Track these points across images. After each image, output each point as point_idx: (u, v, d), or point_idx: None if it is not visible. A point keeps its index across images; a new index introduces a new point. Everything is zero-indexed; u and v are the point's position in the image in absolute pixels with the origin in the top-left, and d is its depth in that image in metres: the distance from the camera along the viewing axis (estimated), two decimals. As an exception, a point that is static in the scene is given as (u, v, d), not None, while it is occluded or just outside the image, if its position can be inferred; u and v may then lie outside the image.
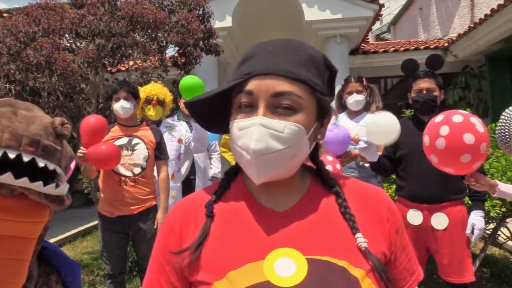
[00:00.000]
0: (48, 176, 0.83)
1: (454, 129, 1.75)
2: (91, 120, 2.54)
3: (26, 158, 0.77)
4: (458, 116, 1.79)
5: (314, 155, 0.85)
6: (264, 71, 0.71)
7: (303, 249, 0.72)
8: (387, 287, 0.73)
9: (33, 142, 0.78)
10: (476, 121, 1.77)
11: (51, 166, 0.82)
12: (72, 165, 0.99)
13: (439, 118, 1.86)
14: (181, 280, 0.77)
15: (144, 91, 3.44)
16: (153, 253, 0.82)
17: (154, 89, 3.51)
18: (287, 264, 0.70)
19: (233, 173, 0.85)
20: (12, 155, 0.76)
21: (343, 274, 0.69)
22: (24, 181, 0.75)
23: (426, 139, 1.89)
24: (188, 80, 3.23)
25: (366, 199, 0.81)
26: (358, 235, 0.74)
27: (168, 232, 0.80)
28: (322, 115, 0.78)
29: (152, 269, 0.81)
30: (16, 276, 0.80)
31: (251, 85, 0.71)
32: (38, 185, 0.77)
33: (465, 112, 1.84)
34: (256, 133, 0.69)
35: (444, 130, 1.78)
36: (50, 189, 0.80)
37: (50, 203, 0.82)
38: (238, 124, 0.72)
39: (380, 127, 2.32)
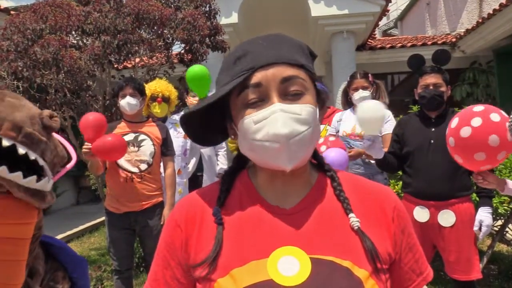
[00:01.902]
0: (31, 170, 0.79)
1: (487, 125, 1.69)
2: (90, 117, 2.57)
3: (6, 143, 0.74)
4: (496, 115, 1.72)
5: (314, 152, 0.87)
6: (267, 62, 0.72)
7: (307, 248, 0.71)
8: (378, 272, 0.72)
9: (15, 127, 0.76)
10: (511, 128, 1.69)
11: (32, 156, 0.78)
12: (69, 165, 0.97)
13: (479, 108, 1.79)
14: (186, 275, 0.77)
15: (149, 88, 3.44)
16: (158, 248, 0.82)
17: (159, 86, 3.52)
18: (290, 263, 0.69)
19: (231, 174, 0.84)
20: None
21: (346, 274, 0.68)
22: (2, 170, 0.72)
23: (455, 120, 1.83)
24: (194, 70, 3.24)
25: (371, 198, 0.80)
26: (351, 215, 0.74)
27: (174, 228, 0.80)
28: (319, 96, 0.81)
29: (157, 264, 0.81)
30: (13, 276, 0.80)
31: (257, 78, 0.72)
32: (16, 176, 0.74)
33: (505, 115, 1.76)
34: (280, 119, 0.69)
35: (477, 121, 1.72)
36: (30, 181, 0.76)
37: (30, 198, 0.79)
38: (253, 117, 0.72)
39: (365, 115, 2.26)
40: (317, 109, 0.77)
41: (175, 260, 0.78)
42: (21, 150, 0.76)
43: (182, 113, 3.99)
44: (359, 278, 0.68)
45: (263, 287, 0.67)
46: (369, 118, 2.22)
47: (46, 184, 0.81)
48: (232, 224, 0.76)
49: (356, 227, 0.73)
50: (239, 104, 0.74)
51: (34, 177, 0.77)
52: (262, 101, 0.72)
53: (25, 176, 0.76)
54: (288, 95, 0.72)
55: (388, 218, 0.78)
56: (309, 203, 0.77)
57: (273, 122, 0.69)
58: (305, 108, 0.72)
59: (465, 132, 1.74)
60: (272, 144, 0.70)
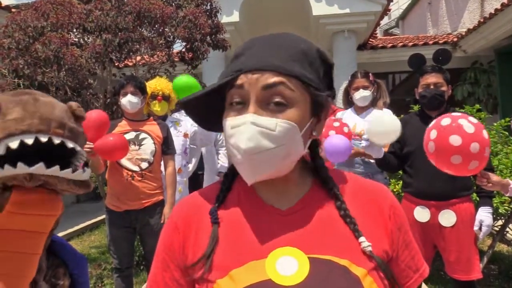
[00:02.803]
0: (67, 161, 0.84)
1: (441, 132, 1.80)
2: (93, 115, 2.56)
3: (56, 141, 0.78)
4: (446, 119, 1.82)
5: (313, 153, 0.84)
6: (254, 67, 0.70)
7: (304, 248, 0.71)
8: (392, 285, 0.72)
9: (61, 124, 0.81)
10: (465, 122, 1.77)
11: (78, 148, 0.84)
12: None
13: (432, 122, 1.91)
14: (185, 277, 0.77)
15: (149, 87, 3.44)
16: (157, 250, 0.82)
17: (159, 84, 3.52)
18: (289, 263, 0.70)
19: (232, 174, 0.84)
20: (44, 139, 0.77)
21: (344, 273, 0.69)
22: (55, 170, 0.76)
23: (423, 144, 1.94)
24: (181, 80, 3.25)
25: (368, 197, 0.80)
26: (362, 239, 0.73)
27: (173, 230, 0.80)
28: (318, 110, 0.76)
29: (157, 266, 0.81)
30: (27, 269, 0.81)
31: (241, 80, 0.71)
32: (67, 173, 0.78)
33: (457, 114, 1.85)
34: (246, 132, 0.68)
35: (433, 134, 1.84)
36: (79, 175, 0.81)
37: (78, 189, 0.84)
38: (230, 122, 0.72)
39: (382, 128, 2.33)
40: (308, 124, 0.74)
41: (174, 262, 0.78)
42: (70, 145, 0.82)
43: (182, 111, 4.01)
44: (357, 276, 0.68)
45: (262, 287, 0.67)
46: (384, 131, 2.28)
47: (88, 173, 0.86)
48: (230, 223, 0.77)
49: (369, 253, 0.72)
50: (227, 102, 0.75)
51: (81, 171, 0.83)
52: (244, 104, 0.71)
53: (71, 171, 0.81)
54: (270, 104, 0.69)
55: (385, 216, 0.78)
56: (306, 204, 0.77)
57: (240, 133, 0.69)
58: (281, 124, 0.68)
59: (431, 147, 1.85)
60: (237, 154, 0.70)
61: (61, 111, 0.83)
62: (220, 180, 0.85)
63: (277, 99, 0.69)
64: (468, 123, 1.76)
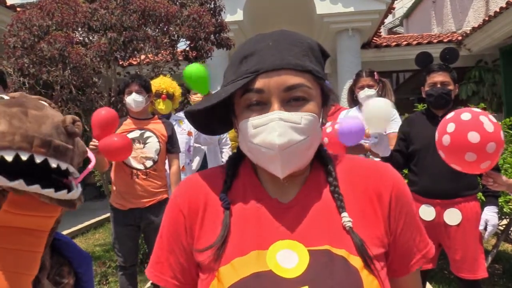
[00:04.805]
0: (60, 176, 0.83)
1: (460, 126, 1.74)
2: (102, 112, 2.55)
3: (38, 160, 0.76)
4: (466, 114, 1.77)
5: None
6: (272, 67, 0.71)
7: (304, 241, 0.72)
8: (370, 266, 0.71)
9: (45, 143, 0.77)
10: (485, 120, 1.73)
11: (64, 166, 0.81)
12: (91, 166, 0.98)
13: (450, 115, 1.86)
14: (189, 260, 0.79)
15: (153, 85, 3.45)
16: (160, 231, 0.83)
17: (163, 83, 3.52)
18: (289, 256, 0.71)
19: (234, 163, 0.84)
20: (24, 157, 0.75)
21: (343, 264, 0.69)
22: (36, 188, 0.75)
23: (436, 134, 1.90)
24: (192, 68, 3.25)
25: (367, 180, 0.79)
26: (344, 214, 0.74)
27: (177, 214, 0.81)
28: (325, 101, 0.80)
29: (161, 248, 0.82)
30: (29, 267, 0.82)
31: (260, 83, 0.71)
32: (49, 192, 0.77)
33: (477, 110, 1.80)
34: (277, 128, 0.69)
35: (451, 127, 1.78)
36: (62, 195, 0.80)
37: (61, 206, 0.83)
38: (253, 122, 0.72)
39: (377, 114, 2.28)
40: (321, 114, 0.77)
41: (178, 245, 0.80)
42: (53, 164, 0.79)
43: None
44: (355, 267, 0.69)
45: (262, 277, 0.68)
46: (376, 115, 2.22)
47: (75, 194, 0.84)
48: (235, 212, 0.78)
49: (348, 228, 0.73)
50: (241, 104, 0.75)
51: (65, 191, 0.80)
52: (265, 104, 0.72)
53: (57, 189, 0.79)
54: (291, 101, 0.72)
55: (384, 198, 0.77)
56: (305, 196, 0.78)
57: (270, 131, 0.70)
58: (305, 117, 0.71)
59: (446, 140, 1.79)
60: (268, 151, 0.71)
61: (50, 127, 0.80)
62: (223, 165, 0.85)
63: (297, 95, 0.72)
64: (488, 121, 1.72)
